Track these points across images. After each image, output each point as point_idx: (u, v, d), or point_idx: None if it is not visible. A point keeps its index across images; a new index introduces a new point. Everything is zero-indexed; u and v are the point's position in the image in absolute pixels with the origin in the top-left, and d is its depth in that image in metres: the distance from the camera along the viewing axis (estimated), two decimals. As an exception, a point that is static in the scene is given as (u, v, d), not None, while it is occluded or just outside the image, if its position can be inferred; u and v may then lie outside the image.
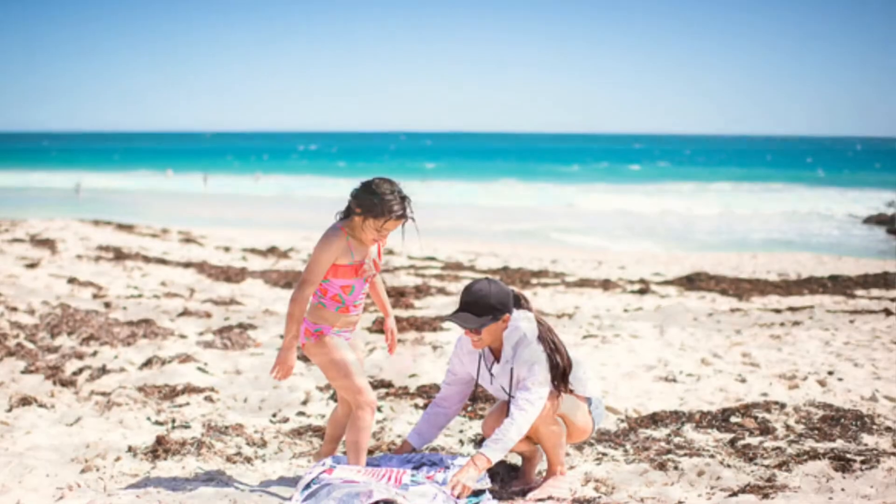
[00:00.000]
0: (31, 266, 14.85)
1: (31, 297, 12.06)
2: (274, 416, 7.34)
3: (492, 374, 5.45)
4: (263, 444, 6.52)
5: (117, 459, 6.01)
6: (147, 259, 16.87)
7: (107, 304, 11.95)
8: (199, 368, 8.63)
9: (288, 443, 6.60)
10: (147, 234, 22.28)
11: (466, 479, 5.03)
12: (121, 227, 23.56)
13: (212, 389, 7.89)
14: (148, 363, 8.71)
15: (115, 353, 9.18)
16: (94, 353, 9.16)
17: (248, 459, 6.17)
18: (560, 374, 5.32)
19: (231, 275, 15.32)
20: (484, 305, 5.23)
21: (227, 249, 19.77)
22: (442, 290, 13.97)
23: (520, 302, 5.44)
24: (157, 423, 6.97)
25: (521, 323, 5.31)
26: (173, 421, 6.99)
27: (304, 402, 7.74)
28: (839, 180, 64.14)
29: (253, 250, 19.67)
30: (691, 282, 15.67)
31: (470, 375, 5.61)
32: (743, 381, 8.30)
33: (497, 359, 5.43)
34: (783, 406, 7.21)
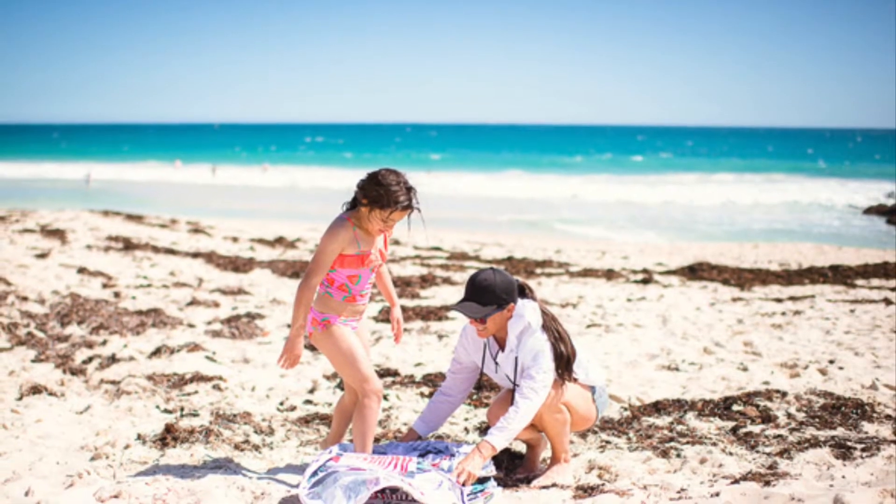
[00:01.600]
0: (42, 256, 14.93)
1: (41, 286, 12.13)
2: (281, 404, 7.40)
3: (496, 363, 5.50)
4: (271, 432, 6.58)
5: (127, 447, 6.07)
6: (156, 249, 16.94)
7: (116, 294, 12.01)
8: (208, 357, 8.69)
9: (295, 430, 6.66)
10: (156, 224, 22.34)
11: (471, 467, 5.08)
12: (130, 217, 23.64)
13: (220, 378, 7.95)
14: (157, 352, 8.78)
15: (125, 343, 9.24)
16: (104, 342, 9.23)
17: (256, 447, 6.23)
18: (564, 362, 5.37)
19: (239, 265, 15.37)
20: (489, 295, 5.28)
21: (235, 240, 19.82)
22: (447, 280, 14.03)
23: (524, 291, 5.48)
24: (166, 411, 7.03)
25: (525, 312, 5.35)
26: (182, 409, 7.05)
27: (311, 391, 7.81)
28: (840, 171, 63.89)
29: (260, 240, 19.71)
30: (693, 272, 15.68)
31: (475, 364, 5.66)
32: (745, 369, 8.34)
33: (502, 348, 5.48)
34: (784, 394, 7.26)
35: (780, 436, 6.26)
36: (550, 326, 5.39)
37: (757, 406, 6.96)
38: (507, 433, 5.16)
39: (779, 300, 12.48)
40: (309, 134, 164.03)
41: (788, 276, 15.19)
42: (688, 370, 8.39)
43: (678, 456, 5.93)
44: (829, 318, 10.92)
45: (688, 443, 6.18)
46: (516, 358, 5.37)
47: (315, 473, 4.98)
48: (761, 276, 15.11)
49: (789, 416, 6.76)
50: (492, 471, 5.27)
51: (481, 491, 5.15)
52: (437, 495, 4.86)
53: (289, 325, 9.97)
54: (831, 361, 8.53)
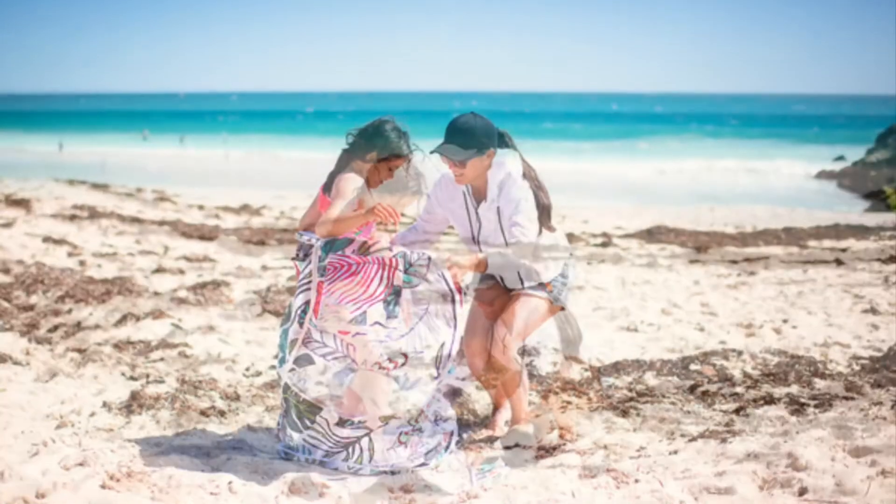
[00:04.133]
0: (6, 226, 14.78)
1: (6, 256, 12.04)
2: (247, 370, 7.43)
3: (478, 215, 5.41)
4: (237, 398, 6.60)
5: (92, 415, 6.06)
6: (122, 218, 16.82)
7: (82, 263, 11.95)
8: (173, 325, 8.69)
9: (261, 396, 6.69)
10: (122, 192, 22.16)
11: (460, 261, 4.98)
12: (95, 186, 23.39)
13: (186, 345, 7.97)
14: (122, 320, 8.76)
15: (90, 311, 9.21)
16: (69, 311, 9.20)
17: (222, 413, 6.25)
18: (546, 212, 5.35)
19: (204, 232, 15.32)
20: (469, 138, 5.20)
21: (200, 208, 19.74)
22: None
23: (504, 140, 5.40)
24: (132, 378, 7.01)
25: (506, 160, 5.31)
26: (147, 376, 7.04)
27: (276, 357, 7.85)
28: (793, 136, 64.94)
29: (226, 208, 19.67)
30: (652, 235, 15.84)
31: (445, 219, 5.59)
32: (702, 329, 8.48)
33: (480, 200, 5.41)
34: (740, 353, 7.40)
35: (736, 394, 6.39)
36: (531, 175, 5.35)
37: (714, 365, 7.10)
38: (504, 259, 5.09)
39: (734, 262, 12.68)
40: (301, 104, 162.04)
41: (743, 238, 15.41)
42: (647, 331, 8.52)
43: (638, 415, 6.03)
44: (782, 278, 11.10)
45: (647, 402, 6.28)
46: (498, 208, 5.31)
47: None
48: (717, 239, 15.32)
49: (745, 374, 6.91)
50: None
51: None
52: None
53: (254, 293, 10.05)
54: (785, 321, 8.70)
